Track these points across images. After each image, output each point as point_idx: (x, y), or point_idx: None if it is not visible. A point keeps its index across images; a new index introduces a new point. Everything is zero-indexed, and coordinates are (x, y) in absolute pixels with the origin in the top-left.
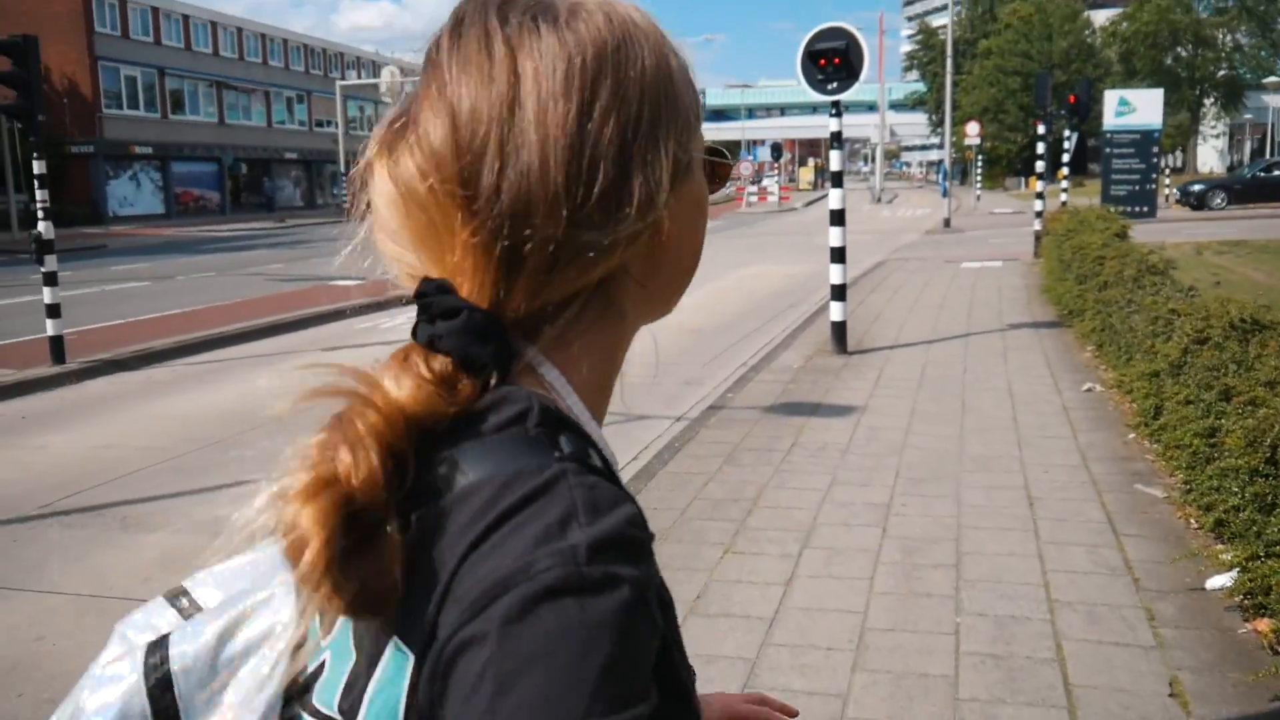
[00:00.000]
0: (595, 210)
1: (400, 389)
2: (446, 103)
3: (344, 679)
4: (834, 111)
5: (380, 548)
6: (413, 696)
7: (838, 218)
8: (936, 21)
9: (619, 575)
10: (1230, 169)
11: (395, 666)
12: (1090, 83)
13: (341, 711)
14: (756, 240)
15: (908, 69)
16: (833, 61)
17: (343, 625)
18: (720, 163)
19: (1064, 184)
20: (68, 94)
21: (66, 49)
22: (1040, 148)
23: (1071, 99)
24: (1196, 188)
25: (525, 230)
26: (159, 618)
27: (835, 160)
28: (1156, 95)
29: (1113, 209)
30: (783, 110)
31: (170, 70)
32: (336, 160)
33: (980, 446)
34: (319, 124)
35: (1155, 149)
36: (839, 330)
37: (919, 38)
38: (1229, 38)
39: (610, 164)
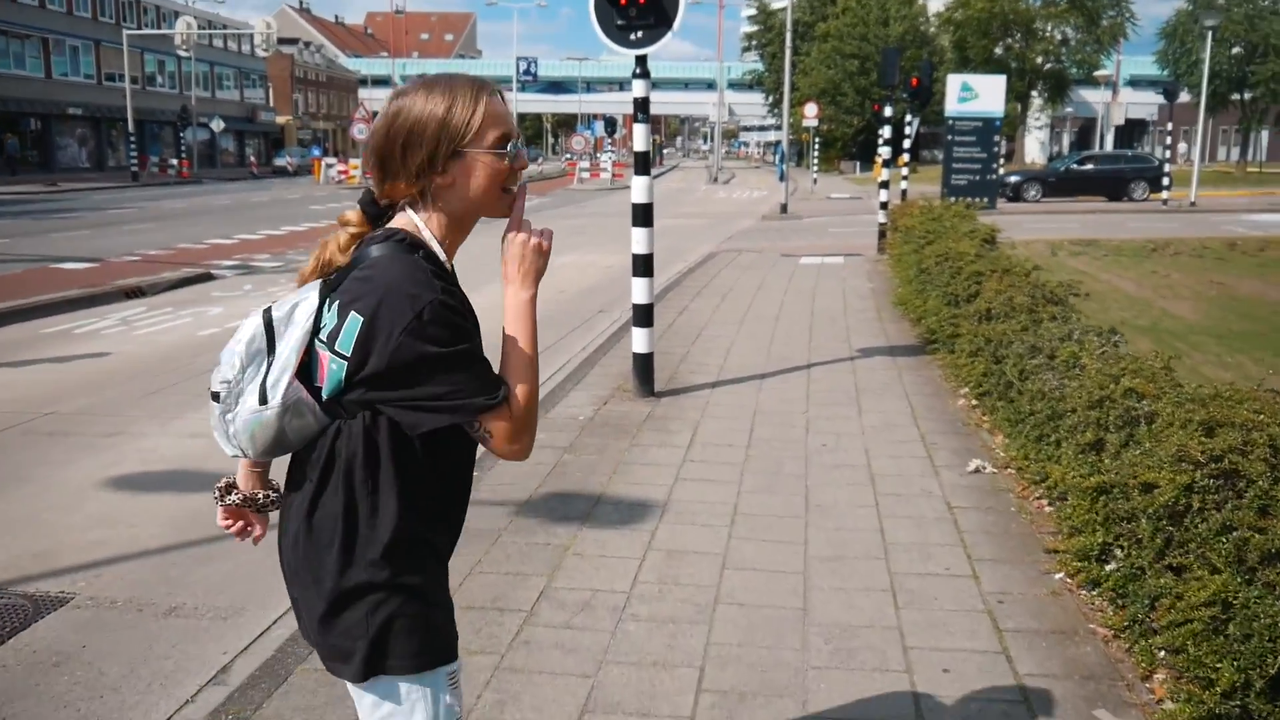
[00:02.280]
0: (396, 165)
1: (351, 220)
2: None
3: (334, 323)
4: (638, 71)
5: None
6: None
7: (642, 215)
8: (776, 4)
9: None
10: (1051, 159)
11: (355, 321)
12: (932, 66)
13: (331, 339)
14: (581, 221)
15: (746, 49)
16: (637, 2)
17: (332, 307)
18: (503, 153)
19: (904, 171)
20: None
21: None
22: (887, 131)
23: (914, 82)
24: (1013, 179)
25: (374, 166)
26: (274, 305)
27: (640, 137)
28: (999, 82)
29: (957, 201)
30: (621, 85)
31: None
32: (127, 118)
33: (836, 603)
34: (110, 78)
35: (997, 137)
36: (643, 365)
37: (759, 18)
38: (1058, 31)
39: (396, 151)
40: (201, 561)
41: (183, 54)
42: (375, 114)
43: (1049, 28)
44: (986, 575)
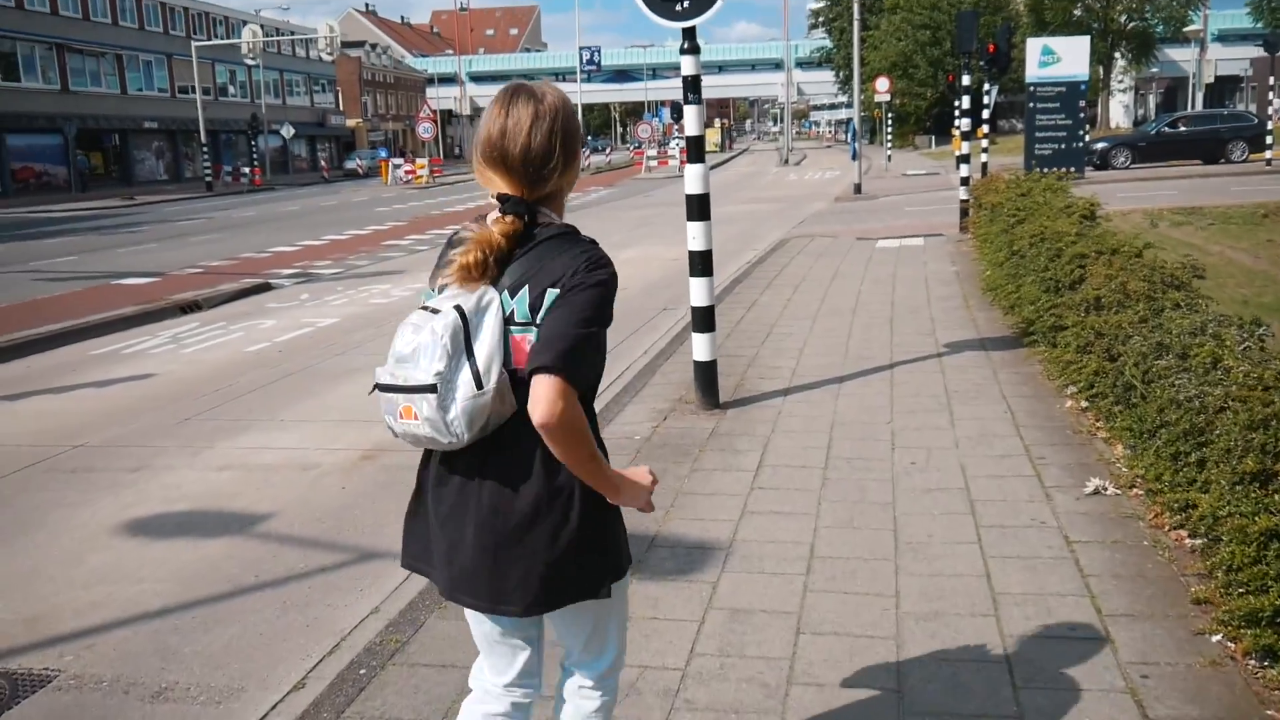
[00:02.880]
0: (557, 164)
1: (495, 226)
2: (492, 124)
3: (527, 305)
4: (686, 46)
5: (493, 266)
6: (557, 299)
7: (698, 208)
8: None
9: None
10: (1136, 124)
11: (551, 294)
12: (1010, 29)
13: (533, 315)
14: (648, 212)
15: (814, 26)
16: None
17: (519, 296)
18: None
19: (984, 143)
20: None
21: None
22: (965, 101)
23: (991, 48)
24: (1099, 145)
25: (527, 170)
26: (458, 300)
27: (691, 119)
28: (1082, 43)
29: (1046, 173)
30: None
31: None
32: (200, 129)
33: (939, 683)
34: (183, 90)
35: (1082, 102)
36: (706, 374)
37: None
38: None
39: (557, 150)
40: (204, 626)
41: (250, 63)
42: (442, 113)
43: None
44: (1123, 638)
